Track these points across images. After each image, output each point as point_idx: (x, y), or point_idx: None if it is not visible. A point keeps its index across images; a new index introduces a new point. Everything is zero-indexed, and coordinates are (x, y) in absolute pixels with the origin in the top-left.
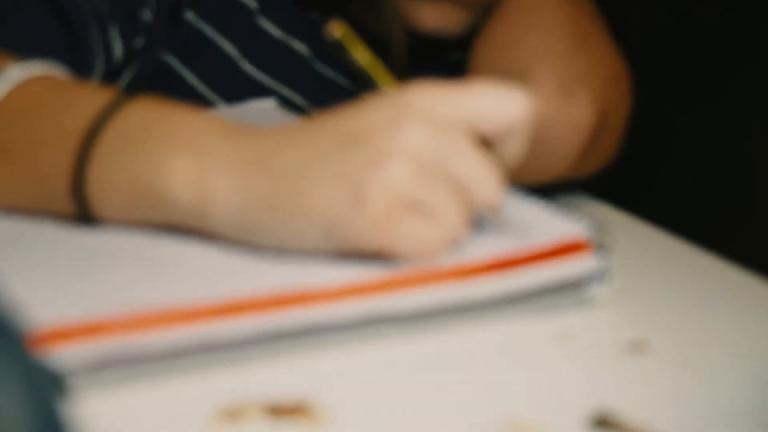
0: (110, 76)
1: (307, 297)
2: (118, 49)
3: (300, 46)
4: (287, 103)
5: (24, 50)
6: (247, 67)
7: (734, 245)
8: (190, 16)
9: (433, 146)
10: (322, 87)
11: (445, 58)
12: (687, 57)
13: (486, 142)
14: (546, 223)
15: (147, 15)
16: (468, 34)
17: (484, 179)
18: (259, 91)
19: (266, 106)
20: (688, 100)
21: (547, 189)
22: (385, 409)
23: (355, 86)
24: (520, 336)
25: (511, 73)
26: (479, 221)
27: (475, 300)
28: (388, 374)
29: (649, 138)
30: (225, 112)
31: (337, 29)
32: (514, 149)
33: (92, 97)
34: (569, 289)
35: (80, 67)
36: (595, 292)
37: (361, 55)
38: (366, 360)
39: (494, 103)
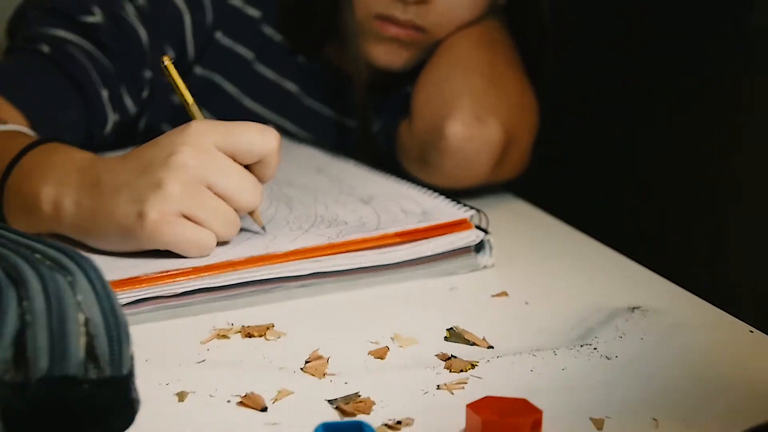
0: (129, 125)
1: (274, 257)
2: (130, 105)
3: (290, 85)
4: (281, 131)
5: (42, 111)
6: (248, 103)
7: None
8: (198, 69)
9: (198, 167)
10: (310, 117)
11: (400, 91)
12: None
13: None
14: (442, 209)
15: (147, 73)
16: (415, 69)
17: (243, 191)
18: (258, 121)
19: None
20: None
21: (477, 191)
22: (320, 332)
23: (337, 116)
24: (422, 289)
25: (441, 105)
26: (400, 213)
27: (392, 263)
28: (325, 312)
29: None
30: None
31: (167, 61)
32: (268, 172)
33: (13, 144)
34: (463, 258)
35: (94, 123)
36: (483, 261)
37: (182, 86)
38: (310, 304)
39: (252, 140)
